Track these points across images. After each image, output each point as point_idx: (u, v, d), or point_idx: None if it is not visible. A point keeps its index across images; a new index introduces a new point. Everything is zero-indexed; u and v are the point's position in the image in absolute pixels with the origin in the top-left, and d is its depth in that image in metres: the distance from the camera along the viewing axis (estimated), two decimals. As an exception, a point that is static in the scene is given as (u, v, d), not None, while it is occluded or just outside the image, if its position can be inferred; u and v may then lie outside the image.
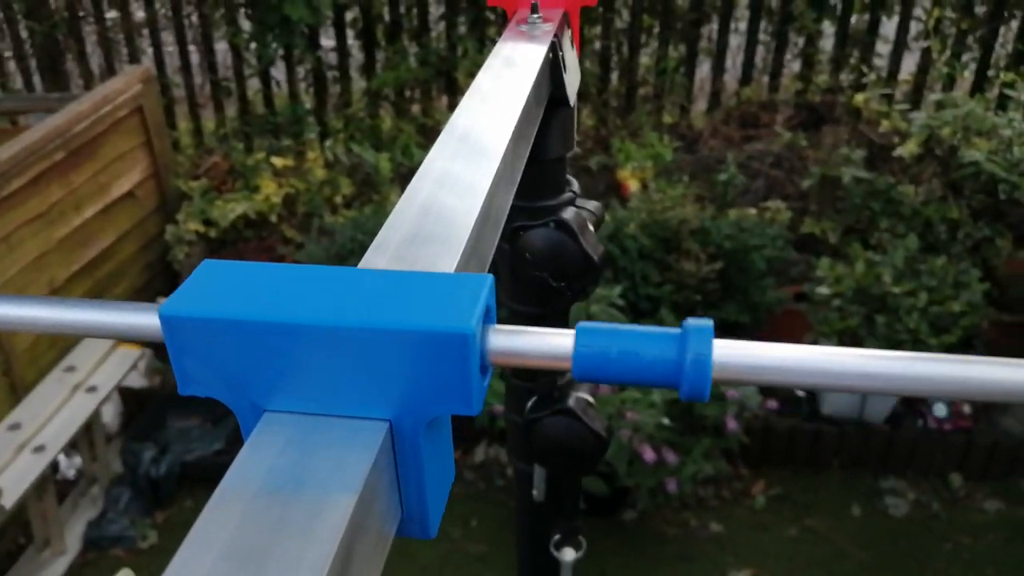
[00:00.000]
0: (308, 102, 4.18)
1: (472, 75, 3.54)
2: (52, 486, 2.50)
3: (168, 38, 4.24)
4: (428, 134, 4.05)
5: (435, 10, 4.13)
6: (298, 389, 0.28)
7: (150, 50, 4.26)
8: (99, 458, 2.75)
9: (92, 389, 2.59)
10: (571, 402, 0.71)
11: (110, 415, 2.91)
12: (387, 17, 4.10)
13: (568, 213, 0.65)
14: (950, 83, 3.70)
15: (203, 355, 0.28)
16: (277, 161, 3.40)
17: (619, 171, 3.35)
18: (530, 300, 0.65)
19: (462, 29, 4.10)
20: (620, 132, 3.84)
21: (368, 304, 0.28)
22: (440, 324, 0.27)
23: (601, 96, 4.05)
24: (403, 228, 0.37)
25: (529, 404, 0.73)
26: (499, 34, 4.04)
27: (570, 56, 0.69)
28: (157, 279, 3.24)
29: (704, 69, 4.10)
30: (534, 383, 0.73)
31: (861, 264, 2.68)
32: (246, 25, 4.08)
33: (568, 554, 0.79)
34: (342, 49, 4.10)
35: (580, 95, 3.51)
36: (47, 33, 4.17)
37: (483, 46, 4.08)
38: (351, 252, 2.78)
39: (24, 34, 4.27)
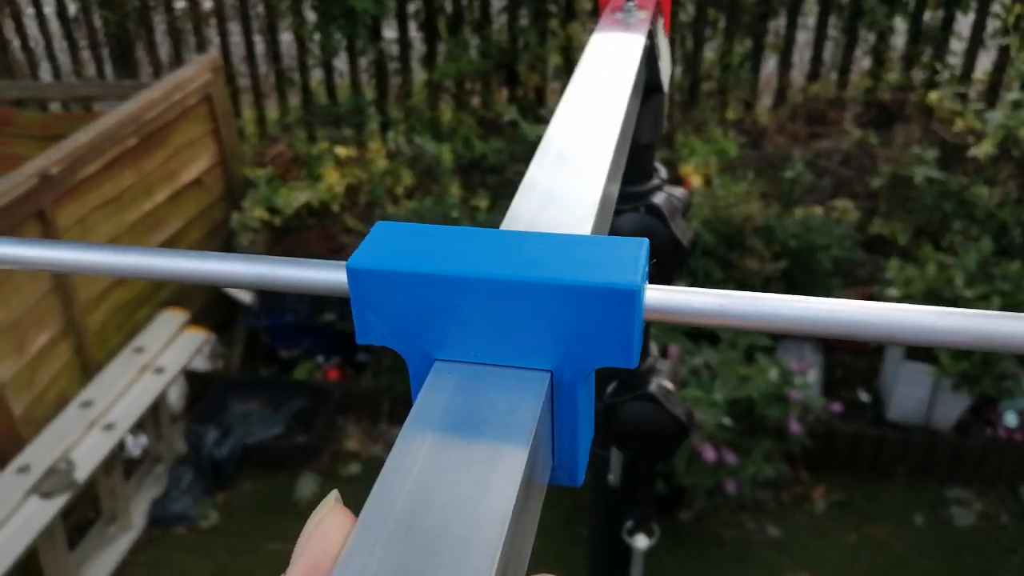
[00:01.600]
0: (370, 93, 4.22)
1: (533, 68, 3.53)
2: (120, 463, 2.57)
3: (235, 28, 4.33)
4: (488, 126, 4.06)
5: (497, 2, 4.13)
6: (467, 339, 0.30)
7: (217, 39, 4.35)
8: (164, 438, 2.82)
9: (159, 370, 2.65)
10: (652, 388, 0.70)
11: (175, 397, 2.98)
12: (449, 9, 4.12)
13: (659, 198, 0.64)
14: (1029, 82, 3.57)
15: (382, 306, 0.30)
16: (340, 151, 3.43)
17: (682, 166, 3.31)
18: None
19: (524, 22, 4.09)
20: (683, 127, 3.79)
21: (535, 260, 0.29)
22: (609, 280, 0.28)
23: (664, 91, 4.01)
24: (524, 218, 0.39)
25: (609, 389, 0.72)
26: (561, 26, 4.00)
27: (663, 43, 0.68)
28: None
29: (770, 65, 4.02)
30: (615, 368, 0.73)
31: (932, 266, 2.61)
32: (311, 16, 4.13)
33: (641, 540, 0.78)
34: (404, 40, 4.13)
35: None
36: (119, 23, 4.28)
37: (544, 39, 4.07)
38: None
39: (98, 23, 4.40)
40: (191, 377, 3.03)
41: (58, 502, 2.19)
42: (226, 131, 3.28)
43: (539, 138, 0.47)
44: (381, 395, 2.97)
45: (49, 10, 4.52)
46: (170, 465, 2.81)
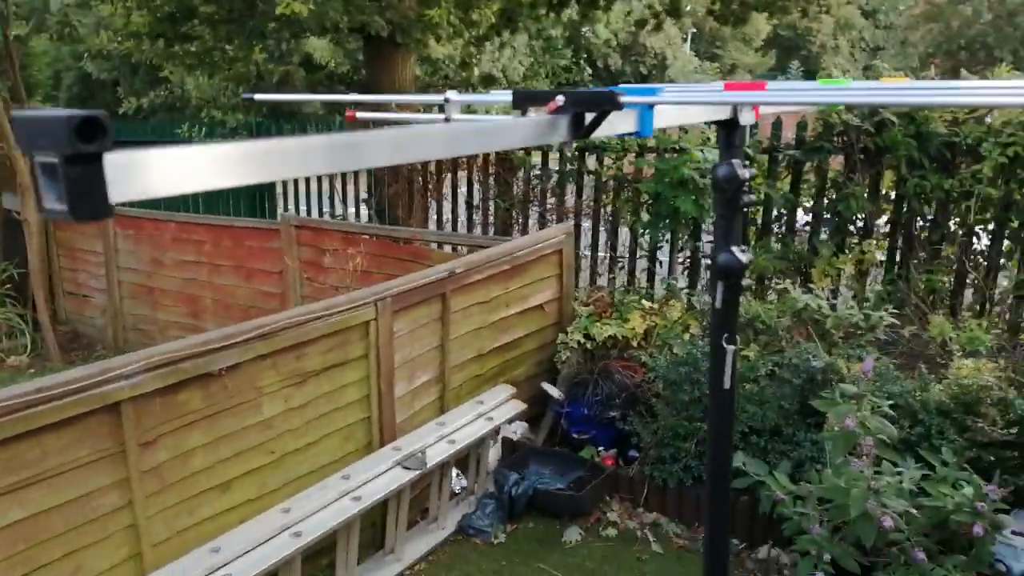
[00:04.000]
0: (681, 281, 5.25)
1: (826, 274, 4.30)
2: (451, 472, 3.59)
3: (587, 222, 5.72)
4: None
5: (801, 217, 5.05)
6: None
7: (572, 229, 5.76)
8: (479, 480, 3.82)
9: (490, 418, 3.71)
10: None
11: (492, 455, 4.00)
12: (759, 220, 5.10)
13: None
14: None
15: None
16: (646, 303, 4.44)
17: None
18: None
19: (823, 237, 4.93)
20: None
21: None
22: None
23: None
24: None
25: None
26: (858, 243, 4.69)
27: None
28: (543, 373, 4.38)
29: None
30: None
31: None
32: (644, 217, 5.36)
33: (730, 348, 1.56)
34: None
35: None
36: (507, 208, 5.89)
37: (840, 251, 4.85)
38: (684, 362, 3.66)
39: (491, 208, 6.06)
40: (506, 442, 4.04)
41: (411, 474, 3.24)
42: (567, 277, 4.47)
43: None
44: (643, 482, 3.72)
45: (462, 199, 6.34)
46: (479, 497, 3.78)
